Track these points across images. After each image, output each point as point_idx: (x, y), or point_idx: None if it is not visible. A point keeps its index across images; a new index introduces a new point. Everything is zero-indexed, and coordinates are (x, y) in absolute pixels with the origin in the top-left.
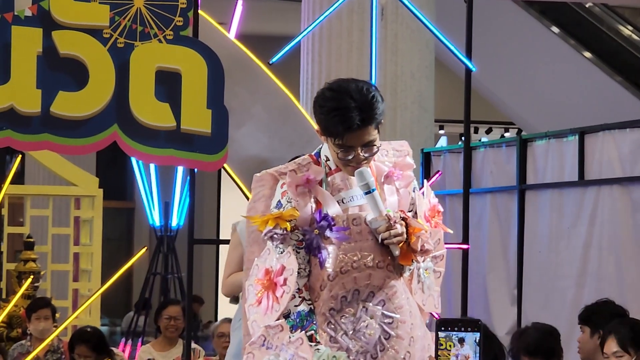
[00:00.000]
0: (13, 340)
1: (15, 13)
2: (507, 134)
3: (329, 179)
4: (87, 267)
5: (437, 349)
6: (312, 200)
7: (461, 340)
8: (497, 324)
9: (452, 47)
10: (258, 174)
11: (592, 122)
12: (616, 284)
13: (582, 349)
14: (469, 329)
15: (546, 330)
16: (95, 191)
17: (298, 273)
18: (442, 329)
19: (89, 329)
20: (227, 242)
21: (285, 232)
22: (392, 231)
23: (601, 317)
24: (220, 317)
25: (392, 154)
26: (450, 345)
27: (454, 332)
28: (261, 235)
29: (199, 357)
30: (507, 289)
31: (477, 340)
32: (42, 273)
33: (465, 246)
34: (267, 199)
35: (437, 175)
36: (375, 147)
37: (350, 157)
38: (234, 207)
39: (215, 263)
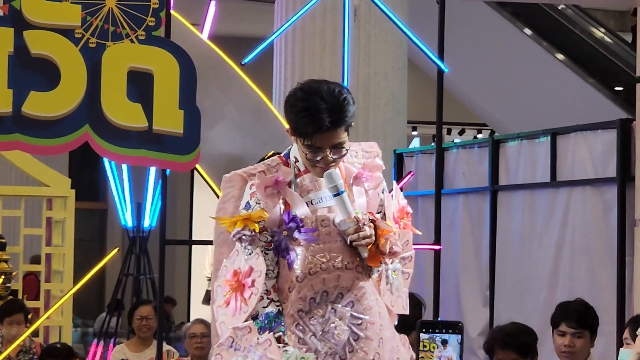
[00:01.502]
0: None
1: None
2: (480, 135)
3: (298, 180)
4: (59, 268)
5: (418, 351)
6: (281, 201)
7: (444, 342)
8: (469, 325)
9: (424, 48)
10: (227, 175)
11: (565, 124)
12: (588, 284)
13: (578, 354)
14: (451, 331)
15: (524, 328)
16: (67, 192)
17: (266, 274)
18: (424, 330)
19: (58, 345)
20: (199, 242)
21: (253, 233)
22: (360, 233)
23: (596, 320)
24: (192, 318)
25: (361, 155)
26: (433, 347)
27: (437, 334)
28: (230, 236)
29: (172, 358)
30: (480, 290)
31: (459, 342)
32: (13, 274)
33: (437, 247)
34: (236, 199)
35: (409, 176)
36: (344, 149)
37: (318, 158)
38: (207, 208)
39: (188, 264)
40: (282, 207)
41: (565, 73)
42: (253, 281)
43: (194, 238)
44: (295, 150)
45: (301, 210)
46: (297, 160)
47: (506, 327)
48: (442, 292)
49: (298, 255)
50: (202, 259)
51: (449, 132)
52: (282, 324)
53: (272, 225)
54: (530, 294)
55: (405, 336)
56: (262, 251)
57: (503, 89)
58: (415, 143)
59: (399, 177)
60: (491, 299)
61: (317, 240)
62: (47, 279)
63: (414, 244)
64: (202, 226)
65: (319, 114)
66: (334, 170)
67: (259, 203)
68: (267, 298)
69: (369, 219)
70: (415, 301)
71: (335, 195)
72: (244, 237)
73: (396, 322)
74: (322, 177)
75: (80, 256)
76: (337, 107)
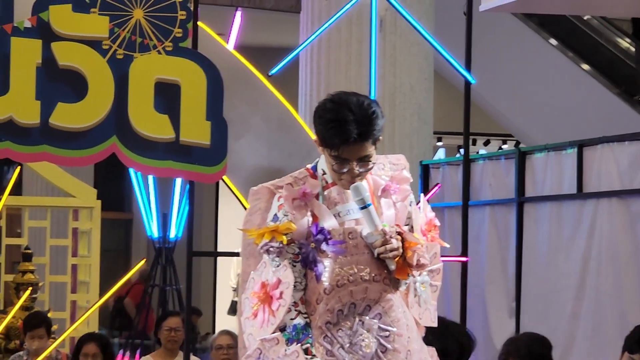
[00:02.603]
0: (11, 352)
1: (15, 24)
2: (505, 146)
3: (325, 192)
4: (85, 278)
5: None
6: (309, 213)
7: None
8: (495, 337)
9: (451, 60)
10: (255, 188)
11: (591, 135)
12: (615, 296)
13: None
14: None
15: (538, 338)
16: (93, 202)
17: (294, 286)
18: None
19: (95, 332)
20: (225, 254)
21: (281, 245)
22: (387, 246)
23: None
24: (217, 329)
25: (388, 168)
26: None
27: None
28: (257, 248)
29: None
30: (506, 301)
31: None
32: (40, 284)
33: (464, 259)
34: (263, 212)
35: (436, 188)
36: (371, 162)
37: (344, 170)
38: (232, 219)
39: (213, 275)
40: (310, 219)
41: (591, 83)
42: (281, 293)
43: (219, 249)
44: (323, 163)
45: (329, 223)
46: (324, 173)
47: (521, 340)
48: (468, 303)
49: (326, 268)
50: (227, 270)
51: (474, 142)
52: (310, 335)
53: (300, 237)
54: (556, 306)
55: (433, 348)
56: (289, 263)
57: (529, 99)
58: (441, 153)
59: (425, 188)
60: (517, 311)
61: (345, 253)
62: (73, 289)
63: (440, 256)
64: (227, 237)
65: (346, 126)
66: (361, 183)
67: (287, 215)
68: (295, 310)
69: (396, 232)
70: (467, 339)
71: (362, 209)
72: (271, 249)
73: (424, 334)
74: (347, 189)
75: (106, 267)
76: (366, 120)
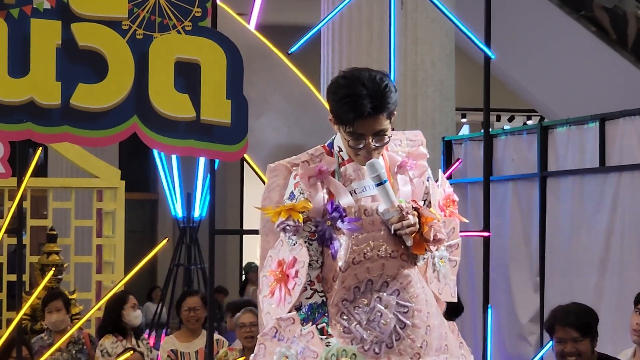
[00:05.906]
0: (36, 332)
1: (34, 6)
2: (529, 122)
3: (341, 169)
4: (110, 259)
5: None
6: (325, 191)
7: None
8: (519, 312)
9: (471, 35)
10: (272, 165)
11: (613, 109)
12: (638, 269)
13: None
14: None
15: (585, 307)
16: (117, 183)
17: (310, 265)
18: None
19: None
20: (248, 232)
21: (297, 223)
22: (404, 222)
23: None
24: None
25: (405, 144)
26: None
27: None
28: (274, 226)
29: (222, 348)
30: (530, 276)
31: None
32: (65, 265)
33: (486, 234)
34: (281, 188)
35: (457, 163)
36: (386, 136)
37: (360, 146)
38: (257, 197)
39: (239, 253)
40: (326, 196)
41: (614, 57)
42: (297, 272)
43: (245, 227)
44: (339, 140)
45: (345, 200)
46: (340, 150)
47: (567, 306)
48: (492, 278)
49: (342, 245)
50: (253, 248)
51: (498, 118)
52: (326, 314)
53: (316, 215)
54: (580, 280)
55: (454, 323)
56: (305, 242)
57: (551, 74)
58: (465, 130)
59: (447, 164)
60: (541, 285)
61: (361, 230)
62: (98, 270)
63: (463, 231)
64: (253, 215)
65: (360, 100)
66: (376, 160)
67: (303, 193)
68: (311, 289)
69: (412, 207)
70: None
71: (377, 185)
72: (287, 227)
73: (444, 310)
74: (364, 165)
75: (131, 247)
76: (379, 94)
